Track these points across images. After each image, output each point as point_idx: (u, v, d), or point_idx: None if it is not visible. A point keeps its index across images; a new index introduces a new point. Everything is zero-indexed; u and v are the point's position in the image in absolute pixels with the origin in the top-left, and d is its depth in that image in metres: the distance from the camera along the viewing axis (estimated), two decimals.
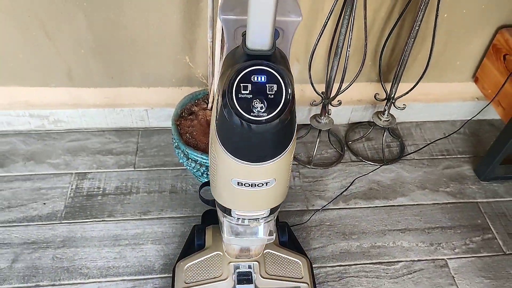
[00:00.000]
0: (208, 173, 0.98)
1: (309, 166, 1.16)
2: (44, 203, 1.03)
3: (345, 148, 1.22)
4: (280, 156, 0.48)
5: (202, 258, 0.87)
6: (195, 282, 0.83)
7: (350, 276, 0.94)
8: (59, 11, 0.97)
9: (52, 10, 0.97)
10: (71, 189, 1.07)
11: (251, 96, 0.43)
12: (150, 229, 1.00)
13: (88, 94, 1.15)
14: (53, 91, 1.14)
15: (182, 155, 0.99)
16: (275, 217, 0.64)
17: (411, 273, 0.95)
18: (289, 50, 0.50)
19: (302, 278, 0.86)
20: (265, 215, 0.59)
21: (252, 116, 0.42)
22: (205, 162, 0.95)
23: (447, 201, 1.10)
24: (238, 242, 0.72)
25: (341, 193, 1.09)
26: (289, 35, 0.47)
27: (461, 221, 1.06)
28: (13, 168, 1.10)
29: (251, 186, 0.51)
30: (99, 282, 0.90)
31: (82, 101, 1.16)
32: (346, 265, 0.96)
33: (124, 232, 0.99)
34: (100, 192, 1.07)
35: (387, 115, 1.14)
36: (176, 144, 0.99)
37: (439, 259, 0.98)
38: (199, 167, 0.97)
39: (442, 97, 1.26)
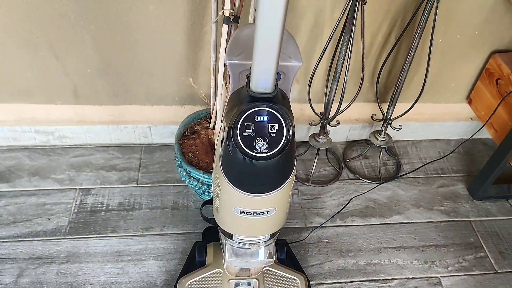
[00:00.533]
0: (210, 191, 1.01)
1: (307, 184, 1.19)
2: (49, 219, 1.06)
3: (343, 166, 1.25)
4: (281, 188, 0.51)
5: (203, 275, 0.90)
6: None
7: None
8: (67, 33, 1.01)
9: (61, 32, 1.00)
10: (75, 204, 1.09)
11: (254, 134, 0.46)
12: (152, 245, 1.03)
13: (93, 111, 1.18)
14: (59, 108, 1.17)
15: (184, 173, 1.02)
16: (275, 240, 0.67)
17: None
18: (290, 90, 0.53)
19: None
20: (265, 239, 0.62)
21: (254, 152, 0.45)
22: (207, 181, 0.98)
23: (441, 220, 1.13)
24: (238, 264, 0.75)
25: (339, 211, 1.12)
26: (290, 77, 0.51)
27: (455, 239, 1.09)
28: (18, 183, 1.13)
29: (253, 215, 0.54)
30: None
31: (87, 118, 1.19)
32: (342, 282, 0.99)
33: (127, 248, 1.02)
34: (104, 208, 1.10)
35: (384, 135, 1.18)
36: (179, 162, 1.02)
37: (432, 277, 1.01)
38: (201, 185, 1.00)
39: (437, 117, 1.29)
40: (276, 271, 0.92)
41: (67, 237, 1.03)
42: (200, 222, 1.08)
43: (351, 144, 1.32)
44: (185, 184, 1.16)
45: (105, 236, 1.04)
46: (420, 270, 1.02)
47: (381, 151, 1.23)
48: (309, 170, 1.21)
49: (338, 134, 1.29)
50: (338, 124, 1.12)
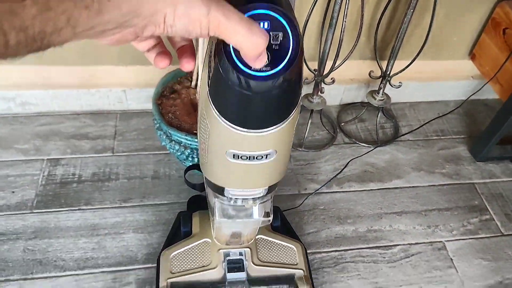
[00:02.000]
0: (194, 156, 0.91)
1: (300, 149, 1.10)
2: (13, 192, 0.94)
3: (338, 130, 1.16)
4: (283, 123, 0.41)
5: (189, 246, 0.80)
6: (182, 271, 0.77)
7: (346, 262, 0.89)
8: None
9: None
10: (43, 176, 0.98)
11: None
12: (131, 217, 0.92)
13: (59, 73, 1.05)
14: (19, 70, 1.04)
15: (164, 137, 0.91)
16: (272, 198, 0.58)
17: (408, 257, 0.91)
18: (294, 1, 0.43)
19: (297, 264, 0.80)
20: (261, 195, 0.53)
21: (252, 71, 0.35)
22: (190, 144, 0.88)
23: (443, 183, 1.06)
24: (230, 225, 0.66)
25: (335, 176, 1.04)
26: None
27: (458, 202, 1.02)
28: None
29: (249, 159, 0.45)
30: (76, 274, 0.82)
31: (52, 81, 1.06)
32: (341, 250, 0.91)
33: (103, 221, 0.91)
34: (76, 179, 0.98)
35: (382, 94, 1.09)
36: (158, 125, 0.91)
37: (436, 241, 0.94)
38: (183, 149, 0.90)
39: (437, 76, 1.21)
40: (270, 239, 0.83)
41: (34, 211, 0.91)
42: (184, 192, 0.98)
43: (345, 107, 1.23)
44: (166, 152, 1.05)
45: (78, 209, 0.93)
46: (423, 235, 0.95)
47: (378, 112, 1.15)
48: (302, 135, 1.12)
49: (332, 96, 1.19)
50: (333, 81, 1.02)
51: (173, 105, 0.93)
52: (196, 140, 0.86)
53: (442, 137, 1.18)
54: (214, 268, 0.77)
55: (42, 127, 1.07)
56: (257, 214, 0.57)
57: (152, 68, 1.08)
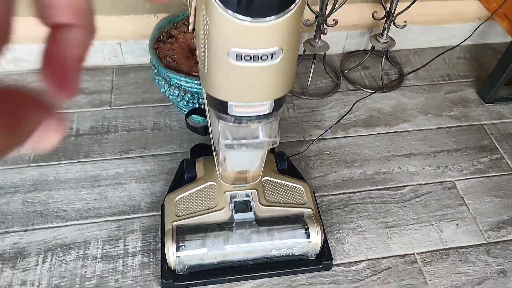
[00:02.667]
0: (194, 101, 0.88)
1: (303, 97, 1.07)
2: None
3: (341, 77, 1.13)
4: (288, 11, 0.38)
5: (195, 190, 0.78)
6: (188, 214, 0.75)
7: (355, 203, 0.87)
8: None
9: None
10: None
11: None
12: (132, 168, 0.90)
13: None
14: None
15: (163, 82, 0.88)
16: (278, 119, 0.55)
17: (418, 196, 0.89)
18: None
19: (306, 203, 0.78)
20: (266, 111, 0.50)
21: None
22: (189, 87, 0.85)
23: (452, 125, 1.03)
24: (236, 157, 0.63)
25: (338, 121, 1.01)
26: None
27: (467, 143, 1.00)
28: None
29: (253, 60, 0.41)
30: (79, 224, 0.81)
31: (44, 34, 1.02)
32: (350, 193, 0.89)
33: (104, 172, 0.89)
34: (73, 133, 0.95)
35: (386, 36, 1.05)
36: (156, 70, 0.88)
37: (446, 181, 0.92)
38: (183, 94, 0.86)
39: (442, 19, 1.17)
40: (276, 180, 0.80)
41: (32, 164, 0.89)
42: (186, 142, 0.95)
43: (348, 55, 1.19)
44: (166, 104, 1.02)
45: (78, 162, 0.90)
46: (433, 175, 0.93)
47: (382, 58, 1.11)
48: (305, 83, 1.09)
49: (335, 44, 1.15)
50: (335, 23, 0.98)
51: (171, 49, 0.89)
52: (196, 82, 0.83)
53: (448, 82, 1.14)
54: (220, 209, 0.75)
55: (35, 84, 1.04)
56: (263, 135, 0.54)
57: (147, 18, 1.04)
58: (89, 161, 0.90)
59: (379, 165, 0.94)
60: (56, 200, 0.83)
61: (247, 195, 0.77)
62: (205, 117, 0.80)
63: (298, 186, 0.80)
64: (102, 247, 0.78)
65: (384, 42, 1.05)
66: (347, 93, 1.09)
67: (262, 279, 0.75)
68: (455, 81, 1.14)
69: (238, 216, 0.75)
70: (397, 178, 0.92)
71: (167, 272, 0.73)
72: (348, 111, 1.03)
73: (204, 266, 0.74)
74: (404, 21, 1.02)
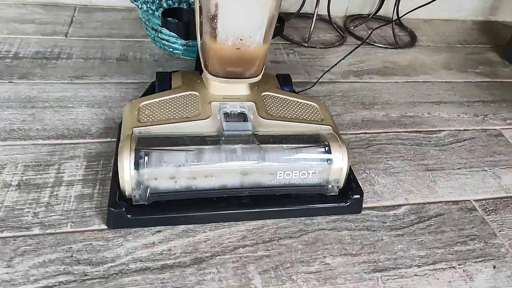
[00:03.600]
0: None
1: (305, 44, 0.90)
2: None
3: (347, 34, 0.97)
4: None
5: (168, 97, 0.55)
6: (157, 121, 0.51)
7: (381, 143, 0.66)
8: None
9: None
10: None
11: None
12: (85, 93, 0.67)
13: None
14: None
15: None
16: None
17: (460, 141, 0.69)
18: None
19: (323, 120, 0.56)
20: None
21: None
22: None
23: (481, 80, 0.87)
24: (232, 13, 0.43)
25: (350, 53, 0.83)
26: None
27: (504, 96, 0.83)
28: None
29: None
30: None
31: None
32: (373, 133, 0.68)
33: (44, 94, 0.65)
34: (10, 55, 0.73)
35: None
36: None
37: (491, 129, 0.73)
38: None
39: None
40: (280, 95, 0.59)
41: None
42: None
43: (352, 17, 1.05)
44: (139, 39, 0.82)
45: (9, 82, 0.67)
46: (472, 123, 0.74)
47: (394, 7, 0.95)
48: (305, 35, 0.92)
49: (337, 2, 1.01)
50: None
51: None
52: None
53: (467, 46, 1.00)
54: (204, 119, 0.52)
55: None
56: None
57: None
58: (25, 82, 0.67)
59: (404, 109, 0.75)
60: None
61: (242, 107, 0.55)
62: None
63: (310, 103, 0.59)
64: (22, 173, 0.52)
65: None
66: (355, 46, 0.93)
67: (262, 220, 0.51)
68: (473, 46, 1.01)
69: (229, 126, 0.52)
70: (429, 122, 0.72)
71: (117, 199, 0.48)
72: (357, 60, 0.85)
73: (176, 195, 0.49)
74: None
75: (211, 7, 0.45)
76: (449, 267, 0.48)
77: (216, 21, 0.46)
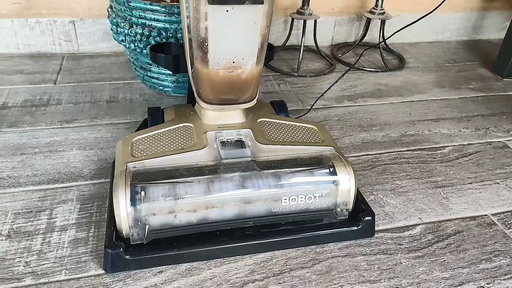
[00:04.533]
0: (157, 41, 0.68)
1: (295, 74, 0.89)
2: None
3: (335, 62, 0.98)
4: None
5: (162, 130, 0.53)
6: (151, 154, 0.49)
7: (385, 164, 0.63)
8: None
9: None
10: None
11: None
12: (76, 136, 0.65)
13: None
14: None
15: (122, 23, 0.68)
16: None
17: (466, 156, 0.67)
18: None
19: (323, 141, 0.54)
20: None
21: None
22: (156, 21, 0.66)
23: (476, 95, 0.87)
24: (222, 17, 0.42)
25: (342, 76, 0.82)
26: None
27: (502, 109, 0.82)
28: None
29: None
30: None
31: None
32: (375, 154, 0.66)
33: (34, 140, 0.63)
34: None
35: (381, 6, 0.94)
36: (113, 8, 0.70)
37: (495, 141, 0.71)
38: (147, 34, 0.67)
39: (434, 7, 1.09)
40: (277, 120, 0.58)
41: None
42: None
43: (338, 46, 1.06)
44: (127, 81, 0.81)
45: None
46: (475, 137, 0.72)
47: (380, 29, 0.96)
48: (294, 66, 0.92)
49: (322, 32, 1.03)
50: None
51: None
52: (164, 11, 0.64)
53: (455, 64, 1.01)
54: (200, 149, 0.50)
55: None
56: None
57: None
58: (13, 130, 0.65)
59: (403, 128, 0.73)
60: None
61: (238, 134, 0.53)
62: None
63: (308, 125, 0.57)
64: (12, 222, 0.48)
65: (380, 13, 0.94)
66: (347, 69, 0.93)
67: (270, 252, 0.47)
68: (462, 63, 1.02)
69: (227, 154, 0.49)
70: (431, 139, 0.70)
71: (114, 239, 0.44)
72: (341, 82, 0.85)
73: (177, 231, 0.46)
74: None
75: (201, 31, 0.44)
76: (477, 287, 0.45)
77: (207, 45, 0.45)
